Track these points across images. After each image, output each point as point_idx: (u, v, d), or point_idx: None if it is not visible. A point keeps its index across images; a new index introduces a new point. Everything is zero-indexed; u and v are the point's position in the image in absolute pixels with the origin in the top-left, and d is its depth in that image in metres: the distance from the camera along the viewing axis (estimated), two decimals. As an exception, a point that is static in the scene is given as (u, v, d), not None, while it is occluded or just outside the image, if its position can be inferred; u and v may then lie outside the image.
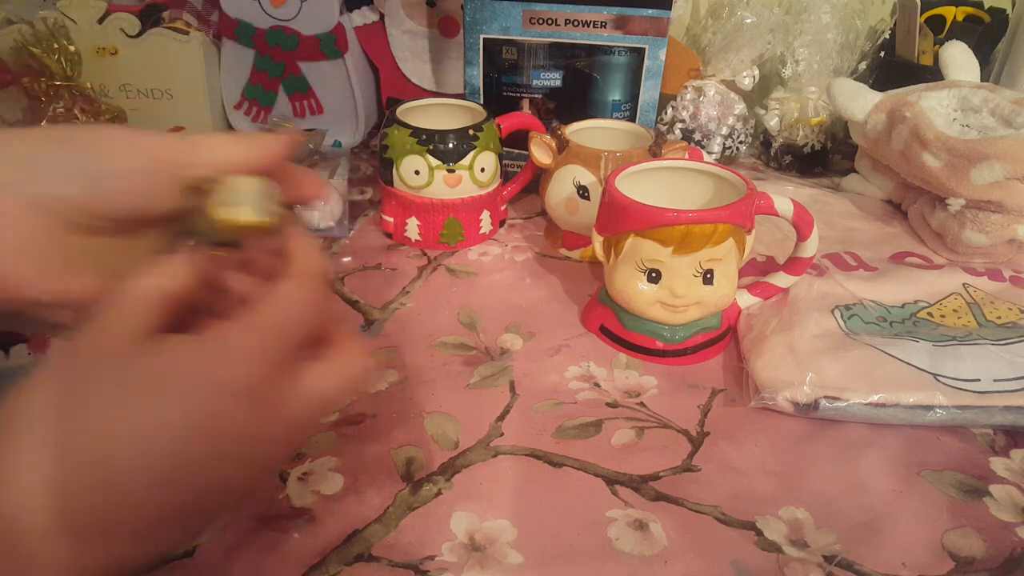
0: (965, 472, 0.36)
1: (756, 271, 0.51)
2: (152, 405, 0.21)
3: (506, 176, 0.61)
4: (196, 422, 0.21)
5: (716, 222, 0.39)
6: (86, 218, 0.25)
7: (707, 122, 0.72)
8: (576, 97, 0.65)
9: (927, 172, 0.54)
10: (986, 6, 0.73)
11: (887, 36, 0.72)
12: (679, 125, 0.73)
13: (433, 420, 0.38)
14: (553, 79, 0.65)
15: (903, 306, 0.46)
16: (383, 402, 0.40)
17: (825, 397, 0.38)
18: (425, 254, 0.57)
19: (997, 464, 0.36)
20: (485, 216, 0.58)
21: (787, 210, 0.42)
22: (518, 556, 0.31)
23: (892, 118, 0.58)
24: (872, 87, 0.62)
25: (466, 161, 0.54)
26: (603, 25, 0.61)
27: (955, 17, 0.73)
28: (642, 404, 0.40)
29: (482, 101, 0.65)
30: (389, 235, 0.59)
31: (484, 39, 0.62)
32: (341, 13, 0.72)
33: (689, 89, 0.73)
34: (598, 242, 0.44)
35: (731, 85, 0.73)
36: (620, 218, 0.41)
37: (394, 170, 0.55)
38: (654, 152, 0.51)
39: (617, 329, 0.45)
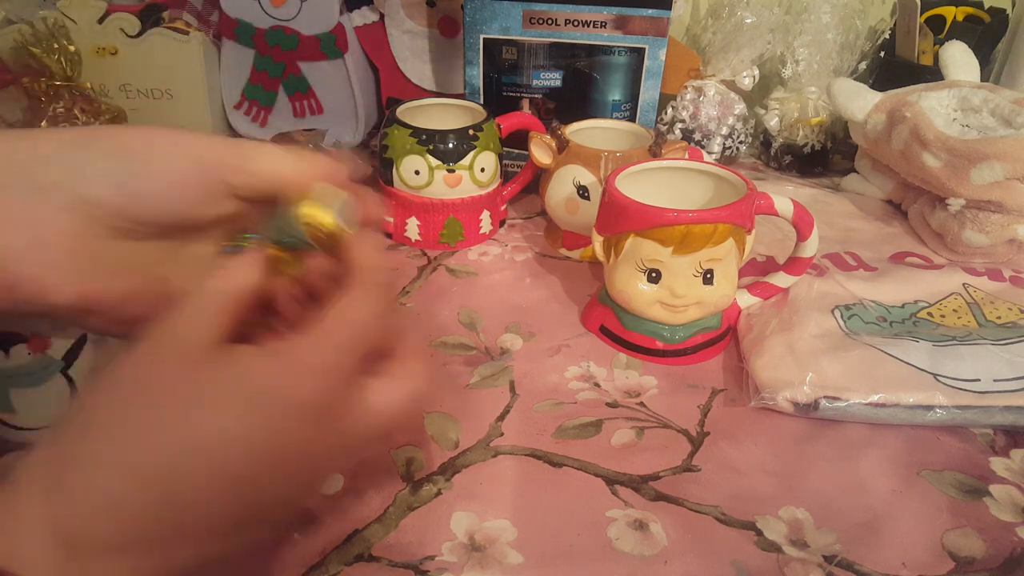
0: (965, 472, 0.36)
1: (756, 271, 0.51)
2: (222, 419, 0.20)
3: (506, 176, 0.61)
4: (264, 438, 0.21)
5: (716, 222, 0.39)
6: (123, 222, 0.24)
7: (707, 122, 0.72)
8: (576, 97, 0.65)
9: (927, 172, 0.54)
10: (986, 6, 0.73)
11: (887, 36, 0.72)
12: (679, 125, 0.73)
13: (433, 420, 0.38)
14: (553, 79, 0.65)
15: (903, 306, 0.46)
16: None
17: (825, 397, 0.38)
18: (425, 254, 0.57)
19: (997, 464, 0.36)
20: (485, 216, 0.58)
21: (787, 210, 0.42)
22: (518, 556, 0.31)
23: (892, 118, 0.58)
24: (872, 87, 0.62)
25: (466, 161, 0.54)
26: (603, 25, 0.61)
27: (955, 17, 0.73)
28: (642, 404, 0.40)
29: (482, 101, 0.65)
30: (389, 235, 0.59)
31: (484, 39, 0.62)
32: (341, 13, 0.72)
33: (689, 89, 0.73)
34: (598, 242, 0.44)
35: (731, 85, 0.73)
36: (620, 218, 0.41)
37: (394, 170, 0.55)
38: (654, 152, 0.51)
39: (617, 329, 0.45)
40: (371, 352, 0.24)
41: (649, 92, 0.63)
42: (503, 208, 0.62)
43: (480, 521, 0.32)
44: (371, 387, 0.24)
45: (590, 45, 0.62)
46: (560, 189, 0.53)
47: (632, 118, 0.65)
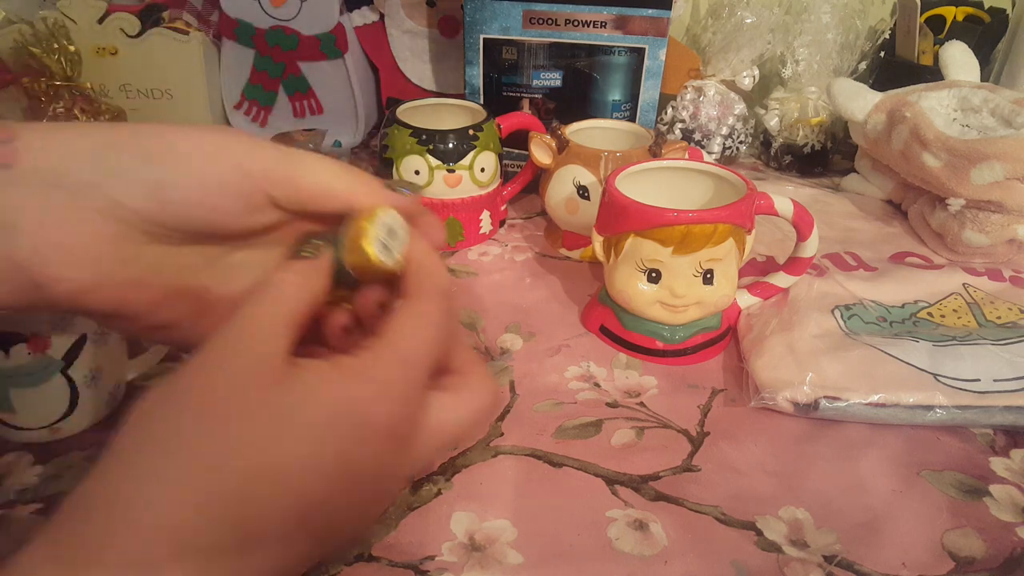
0: (965, 472, 0.36)
1: (756, 271, 0.51)
2: (295, 442, 0.19)
3: (506, 176, 0.61)
4: (337, 463, 0.20)
5: (716, 222, 0.39)
6: (155, 228, 0.23)
7: (707, 122, 0.72)
8: (576, 97, 0.65)
9: (927, 172, 0.54)
10: (986, 6, 0.73)
11: (887, 36, 0.72)
12: (679, 125, 0.73)
13: (433, 420, 0.38)
14: (553, 79, 0.65)
15: (903, 306, 0.46)
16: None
17: (825, 397, 0.38)
18: (425, 254, 0.57)
19: (997, 464, 0.36)
20: (485, 216, 0.58)
21: (787, 210, 0.42)
22: (518, 556, 0.31)
23: (892, 118, 0.58)
24: (872, 87, 0.62)
25: (466, 161, 0.54)
26: (603, 25, 0.61)
27: (955, 17, 0.73)
28: (642, 404, 0.40)
29: (482, 101, 0.65)
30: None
31: (484, 39, 0.62)
32: (341, 13, 0.72)
33: (689, 89, 0.73)
34: (598, 242, 0.44)
35: (731, 85, 0.73)
36: (620, 218, 0.41)
37: (394, 170, 0.55)
38: (654, 152, 0.51)
39: (617, 329, 0.45)
40: (435, 366, 0.23)
41: (649, 92, 0.63)
42: (503, 208, 0.62)
43: (480, 521, 0.32)
44: (437, 403, 0.23)
45: (590, 45, 0.62)
46: (560, 189, 0.53)
47: (632, 118, 0.65)
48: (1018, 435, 0.38)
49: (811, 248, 0.44)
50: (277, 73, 0.74)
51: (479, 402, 0.24)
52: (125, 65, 0.71)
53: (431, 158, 0.53)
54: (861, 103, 0.61)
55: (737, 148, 0.73)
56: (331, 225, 0.25)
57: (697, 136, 0.72)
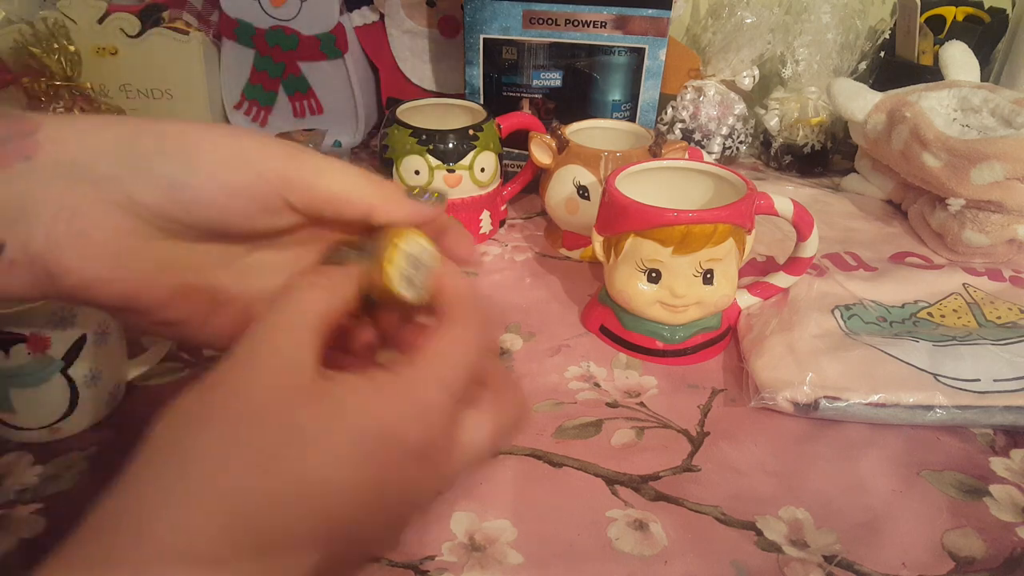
0: (965, 472, 0.36)
1: (756, 271, 0.51)
2: (326, 462, 0.19)
3: (506, 176, 0.61)
4: (368, 482, 0.19)
5: (716, 222, 0.39)
6: (172, 225, 0.23)
7: (707, 122, 0.72)
8: (576, 97, 0.65)
9: (927, 172, 0.54)
10: (986, 6, 0.73)
11: (887, 36, 0.72)
12: (679, 125, 0.73)
13: (433, 420, 0.38)
14: (553, 79, 0.65)
15: (903, 306, 0.46)
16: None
17: (825, 397, 0.38)
18: (425, 254, 0.57)
19: (997, 464, 0.36)
20: (485, 216, 0.58)
21: (787, 210, 0.42)
22: (518, 556, 0.31)
23: (892, 118, 0.58)
24: (872, 87, 0.62)
25: (466, 161, 0.54)
26: (603, 25, 0.61)
27: (955, 17, 0.73)
28: (642, 404, 0.40)
29: (482, 101, 0.65)
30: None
31: (484, 39, 0.62)
32: (341, 13, 0.72)
33: (689, 89, 0.73)
34: (598, 242, 0.44)
35: (731, 85, 0.73)
36: (620, 218, 0.41)
37: (394, 170, 0.55)
38: (654, 152, 0.51)
39: (617, 329, 0.45)
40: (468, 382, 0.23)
41: (649, 92, 0.63)
42: (503, 208, 0.62)
43: (480, 521, 0.32)
44: (470, 421, 0.22)
45: (590, 45, 0.62)
46: (560, 189, 0.53)
47: (632, 118, 0.65)
48: (1018, 435, 0.38)
49: (811, 248, 0.44)
50: (277, 73, 0.74)
51: (510, 419, 0.24)
52: (125, 65, 0.71)
53: (431, 158, 0.53)
54: (861, 103, 0.61)
55: (737, 148, 0.73)
56: (356, 231, 0.25)
57: (697, 136, 0.72)
